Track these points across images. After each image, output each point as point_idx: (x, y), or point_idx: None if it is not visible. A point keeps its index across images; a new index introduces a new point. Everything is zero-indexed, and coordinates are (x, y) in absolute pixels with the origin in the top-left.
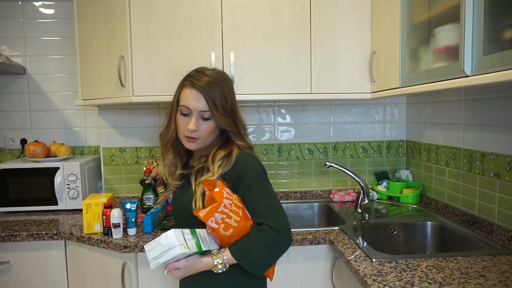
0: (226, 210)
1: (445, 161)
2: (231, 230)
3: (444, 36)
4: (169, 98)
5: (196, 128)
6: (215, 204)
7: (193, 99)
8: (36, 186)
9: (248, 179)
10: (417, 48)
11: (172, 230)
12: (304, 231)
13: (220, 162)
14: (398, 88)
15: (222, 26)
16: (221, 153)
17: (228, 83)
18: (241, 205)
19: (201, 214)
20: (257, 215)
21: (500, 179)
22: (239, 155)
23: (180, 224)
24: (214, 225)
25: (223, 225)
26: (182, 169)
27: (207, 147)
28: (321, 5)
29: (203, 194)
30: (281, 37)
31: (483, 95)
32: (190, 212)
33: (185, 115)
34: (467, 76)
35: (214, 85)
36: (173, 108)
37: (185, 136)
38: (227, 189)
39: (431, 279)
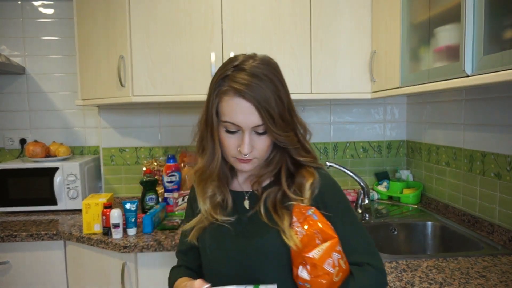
0: (339, 248)
1: (445, 161)
2: (341, 274)
3: (445, 36)
4: (169, 98)
5: (250, 150)
6: (333, 240)
7: (242, 113)
8: (36, 186)
9: (342, 207)
10: (418, 48)
11: None
12: None
13: (311, 183)
14: (398, 88)
15: (222, 26)
16: (306, 173)
17: (279, 74)
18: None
19: (315, 255)
20: (355, 251)
21: (500, 179)
22: (323, 174)
23: (243, 272)
24: (330, 269)
25: (337, 268)
26: (230, 196)
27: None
28: (321, 5)
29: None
30: (281, 37)
31: (484, 95)
32: (277, 252)
33: (232, 132)
34: (468, 76)
35: (263, 85)
36: (213, 124)
37: (237, 158)
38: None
39: (431, 280)
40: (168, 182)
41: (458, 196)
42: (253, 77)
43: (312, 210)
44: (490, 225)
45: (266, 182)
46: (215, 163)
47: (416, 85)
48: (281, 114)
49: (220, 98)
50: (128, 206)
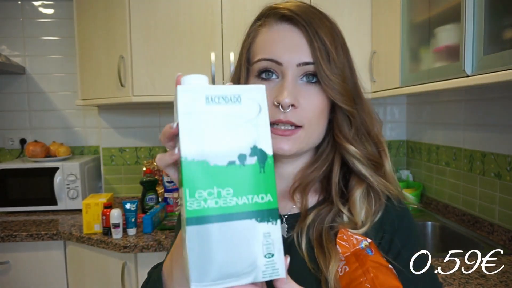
0: None
1: (445, 161)
2: None
3: (445, 36)
4: (169, 98)
5: (293, 100)
6: None
7: (284, 42)
8: (36, 186)
9: (411, 246)
10: (418, 48)
11: None
12: None
13: (372, 203)
14: (398, 88)
15: (222, 25)
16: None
17: (339, 31)
18: None
19: None
20: None
21: (500, 179)
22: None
23: None
24: None
25: None
26: None
27: (305, 155)
28: (321, 5)
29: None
30: None
31: (484, 95)
32: None
33: (266, 77)
34: (468, 76)
35: (322, 17)
36: (241, 73)
37: (276, 123)
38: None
39: None
40: (168, 182)
41: (458, 196)
42: (306, 5)
43: (366, 243)
44: (490, 225)
45: (313, 195)
46: None
47: (416, 85)
48: (341, 60)
49: (254, 35)
50: (128, 206)
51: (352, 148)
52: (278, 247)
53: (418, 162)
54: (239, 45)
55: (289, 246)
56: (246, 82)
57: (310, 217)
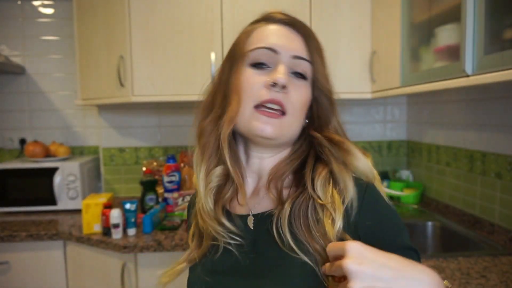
0: None
1: (446, 161)
2: None
3: (445, 35)
4: (169, 98)
5: (288, 82)
6: None
7: (280, 36)
8: (35, 186)
9: (380, 216)
10: (418, 48)
11: None
12: None
13: (338, 185)
14: (398, 88)
15: (222, 25)
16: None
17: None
18: None
19: None
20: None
21: (501, 179)
22: (357, 179)
23: None
24: None
25: None
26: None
27: (279, 150)
28: (321, 5)
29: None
30: None
31: (484, 95)
32: None
33: (260, 67)
34: (468, 76)
35: (312, 31)
36: (230, 64)
37: (262, 105)
38: None
39: None
40: (168, 182)
41: (458, 196)
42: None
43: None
44: (491, 225)
45: (287, 189)
46: (233, 111)
47: (416, 85)
48: (325, 65)
49: (251, 30)
50: (128, 206)
51: (323, 139)
52: None
53: (419, 162)
54: None
55: (270, 240)
56: (235, 72)
57: (287, 207)
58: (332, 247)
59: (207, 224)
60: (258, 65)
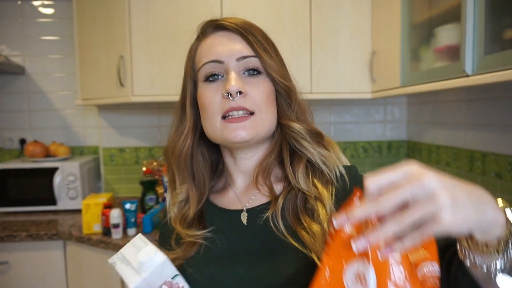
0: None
1: (446, 161)
2: None
3: (445, 35)
4: (169, 98)
5: (241, 87)
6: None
7: (222, 44)
8: (35, 186)
9: None
10: (418, 48)
11: None
12: None
13: (316, 173)
14: (398, 88)
15: None
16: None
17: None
18: None
19: None
20: None
21: (501, 179)
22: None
23: None
24: None
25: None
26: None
27: (261, 146)
28: (321, 5)
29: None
30: (281, 37)
31: (484, 95)
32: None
33: (212, 79)
34: (468, 76)
35: (253, 25)
36: (188, 91)
37: (224, 116)
38: None
39: None
40: (168, 182)
41: None
42: (239, 18)
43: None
44: None
45: (277, 184)
46: (184, 134)
47: (416, 85)
48: (273, 50)
49: (195, 47)
50: (128, 206)
51: (295, 125)
52: None
53: (419, 162)
54: None
55: (269, 232)
56: (195, 91)
57: (280, 202)
58: (379, 176)
59: (184, 232)
60: (211, 78)
